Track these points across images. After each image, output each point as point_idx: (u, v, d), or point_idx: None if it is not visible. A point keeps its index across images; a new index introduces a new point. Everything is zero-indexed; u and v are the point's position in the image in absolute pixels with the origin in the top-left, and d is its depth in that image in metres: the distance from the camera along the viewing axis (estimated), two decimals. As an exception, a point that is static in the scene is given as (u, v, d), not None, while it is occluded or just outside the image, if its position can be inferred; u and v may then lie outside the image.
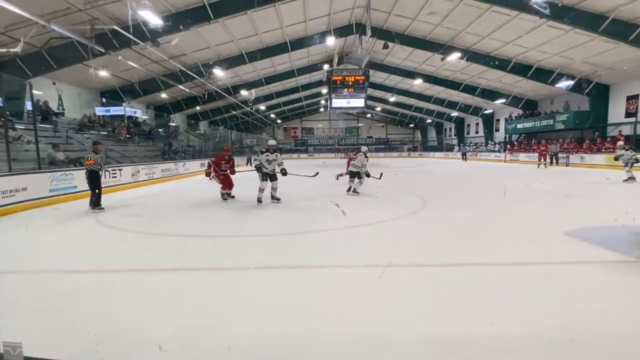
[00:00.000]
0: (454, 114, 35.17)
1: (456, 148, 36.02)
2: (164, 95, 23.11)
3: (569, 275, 3.41)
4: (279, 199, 7.61)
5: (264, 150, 7.62)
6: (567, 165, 20.30)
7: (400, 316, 2.60)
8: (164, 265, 3.77)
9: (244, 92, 25.81)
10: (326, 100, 27.25)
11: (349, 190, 8.80)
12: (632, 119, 18.86)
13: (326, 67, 24.65)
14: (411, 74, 25.98)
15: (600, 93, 20.35)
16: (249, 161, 25.38)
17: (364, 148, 8.68)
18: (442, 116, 37.85)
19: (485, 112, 31.31)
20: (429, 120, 41.66)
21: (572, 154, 20.53)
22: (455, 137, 38.50)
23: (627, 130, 18.94)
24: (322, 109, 44.84)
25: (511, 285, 3.16)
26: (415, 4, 16.66)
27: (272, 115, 41.58)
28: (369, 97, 32.25)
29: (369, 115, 47.45)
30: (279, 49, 19.86)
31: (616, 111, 20.01)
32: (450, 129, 40.62)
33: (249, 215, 6.52)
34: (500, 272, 3.48)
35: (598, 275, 3.37)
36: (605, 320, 2.55)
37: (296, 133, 50.36)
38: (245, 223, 5.91)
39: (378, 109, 41.52)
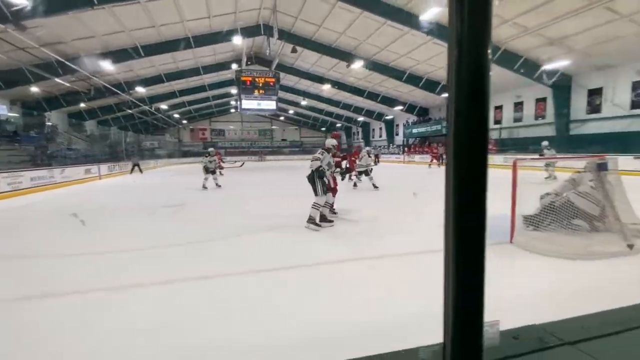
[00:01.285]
0: (361, 118, 36.62)
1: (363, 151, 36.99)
2: (35, 89, 18.47)
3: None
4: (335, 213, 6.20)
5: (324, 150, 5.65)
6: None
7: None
8: None
9: (140, 89, 22.08)
10: (236, 100, 25.55)
11: (355, 185, 10.41)
12: (498, 126, 21.47)
13: (235, 66, 22.79)
14: (320, 79, 26.01)
15: (474, 103, 22.66)
16: (135, 167, 21.57)
17: (367, 148, 10.00)
18: (350, 120, 39.12)
19: (387, 117, 33.25)
20: (339, 124, 42.65)
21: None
22: (363, 140, 39.94)
23: (494, 135, 21.45)
24: (232, 110, 42.04)
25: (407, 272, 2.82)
26: (320, 11, 16.63)
27: (176, 115, 37.28)
28: (281, 100, 31.40)
29: (282, 118, 46.23)
30: (181, 44, 17.94)
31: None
32: (358, 132, 42.37)
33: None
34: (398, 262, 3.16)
35: None
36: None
37: (205, 135, 46.42)
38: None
39: (291, 111, 40.96)
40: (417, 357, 0.61)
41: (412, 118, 29.74)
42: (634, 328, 0.68)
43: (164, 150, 36.84)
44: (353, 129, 43.60)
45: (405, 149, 30.01)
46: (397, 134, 34.06)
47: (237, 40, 17.34)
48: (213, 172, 11.08)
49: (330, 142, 5.68)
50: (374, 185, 10.08)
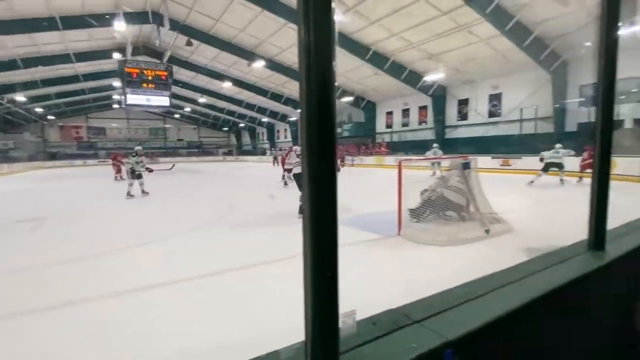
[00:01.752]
0: (265, 119, 36.23)
1: (268, 152, 36.59)
2: None
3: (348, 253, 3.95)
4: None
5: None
6: (352, 165, 23.81)
7: None
8: None
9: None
10: (121, 95, 22.48)
11: (285, 184, 10.86)
12: (389, 130, 23.98)
13: (117, 56, 19.95)
14: (220, 76, 24.76)
15: (370, 108, 25.00)
16: None
17: (296, 147, 9.48)
18: (255, 121, 38.38)
19: (291, 119, 33.63)
20: (242, 125, 41.34)
21: (355, 157, 24.26)
22: (268, 141, 39.52)
23: (387, 138, 23.90)
24: (116, 105, 36.63)
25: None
26: (217, 4, 15.99)
27: (39, 110, 30.92)
28: (176, 96, 28.86)
29: (177, 116, 42.61)
30: (44, 24, 15.07)
31: (381, 123, 24.99)
32: (262, 133, 41.70)
33: None
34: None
35: (362, 250, 4.29)
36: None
37: (80, 133, 39.72)
38: None
39: (187, 109, 38.08)
40: (279, 358, 0.60)
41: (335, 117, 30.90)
42: (468, 300, 0.82)
43: (22, 151, 30.28)
44: (258, 130, 42.98)
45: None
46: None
47: (120, 26, 15.33)
48: (139, 176, 9.25)
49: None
50: (284, 183, 10.95)
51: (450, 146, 17.77)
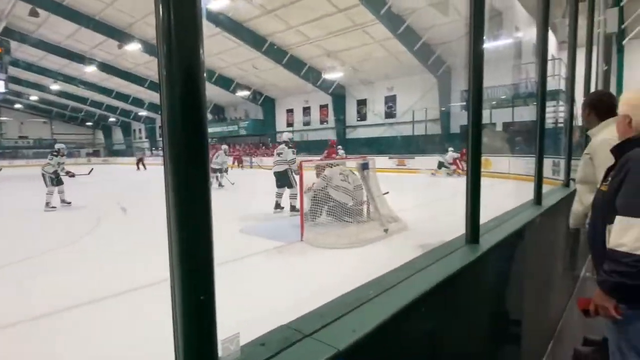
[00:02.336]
0: (143, 113, 32.73)
1: (148, 152, 33.01)
2: None
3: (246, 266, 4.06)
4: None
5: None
6: (251, 167, 23.49)
7: None
8: None
9: None
10: None
11: (220, 185, 11.02)
12: (290, 129, 24.47)
13: None
14: (81, 58, 21.43)
15: (269, 104, 25.12)
16: None
17: (225, 146, 9.81)
18: (129, 115, 34.33)
19: (141, 113, 31.03)
20: (112, 119, 36.57)
21: (254, 157, 24.01)
22: (147, 139, 35.86)
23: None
24: None
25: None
26: None
27: None
28: (16, 81, 24.55)
29: (18, 106, 35.44)
30: None
31: (281, 121, 25.33)
32: (140, 130, 37.59)
33: None
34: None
35: (260, 261, 4.31)
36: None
37: None
38: None
39: (34, 97, 31.95)
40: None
41: (208, 116, 29.58)
42: (359, 305, 0.86)
43: None
44: (134, 126, 38.72)
45: (201, 150, 29.50)
46: (190, 134, 32.87)
47: None
48: (60, 182, 8.27)
49: (287, 135, 7.55)
50: (219, 184, 11.16)
51: (351, 146, 19.08)
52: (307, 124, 24.48)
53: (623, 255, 1.13)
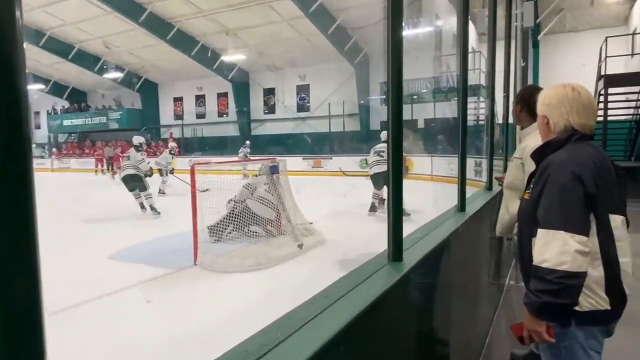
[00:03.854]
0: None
1: None
2: None
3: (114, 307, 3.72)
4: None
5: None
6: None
7: None
8: None
9: None
10: None
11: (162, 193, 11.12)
12: (179, 122, 23.38)
13: None
14: None
15: (150, 91, 23.72)
16: None
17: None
18: None
19: None
20: None
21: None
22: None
23: (177, 132, 23.21)
24: None
25: None
26: None
27: None
28: None
29: None
30: None
31: (166, 112, 24.07)
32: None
33: None
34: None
35: (135, 298, 3.96)
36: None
37: None
38: None
39: None
40: None
41: (62, 104, 26.78)
42: (273, 348, 0.82)
43: None
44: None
45: (54, 149, 26.47)
46: (37, 127, 29.35)
47: None
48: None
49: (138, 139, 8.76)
50: (160, 190, 11.05)
51: (257, 145, 18.98)
52: (201, 116, 23.66)
53: (547, 272, 1.25)
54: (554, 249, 1.24)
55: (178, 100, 24.16)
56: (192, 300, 3.88)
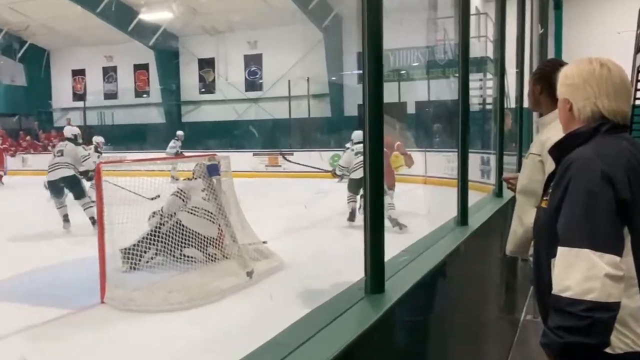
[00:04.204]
0: None
1: None
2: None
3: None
4: None
5: None
6: (5, 174, 20.92)
7: None
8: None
9: None
10: None
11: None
12: (80, 103, 22.75)
13: None
14: None
15: (38, 61, 22.98)
16: None
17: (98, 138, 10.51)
18: None
19: None
20: None
21: (11, 157, 21.40)
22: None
23: (77, 119, 22.42)
24: None
25: None
26: None
27: None
28: None
29: None
30: None
31: (62, 90, 23.50)
32: None
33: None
34: None
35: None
36: None
37: None
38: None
39: None
40: None
41: None
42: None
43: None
44: None
45: None
46: None
47: None
48: None
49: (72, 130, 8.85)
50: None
51: (190, 136, 18.71)
52: (111, 95, 23.22)
53: (569, 303, 1.25)
54: (578, 273, 1.25)
55: (78, 73, 23.58)
56: (95, 354, 3.75)
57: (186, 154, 13.91)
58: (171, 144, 15.84)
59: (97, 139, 13.01)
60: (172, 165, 12.69)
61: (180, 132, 16.48)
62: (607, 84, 1.44)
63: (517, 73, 4.79)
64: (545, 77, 2.32)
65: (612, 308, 1.24)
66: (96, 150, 12.27)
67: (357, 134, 8.60)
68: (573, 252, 1.27)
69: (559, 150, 1.52)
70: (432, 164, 13.25)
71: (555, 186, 1.43)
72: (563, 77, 1.55)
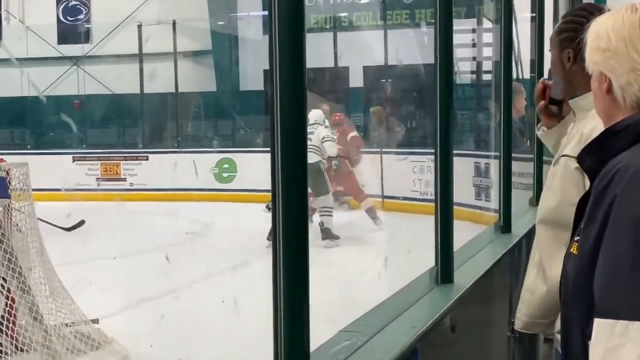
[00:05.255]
0: None
1: None
2: None
3: None
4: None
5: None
6: None
7: None
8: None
9: None
10: None
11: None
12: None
13: None
14: None
15: None
16: None
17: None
18: None
19: None
20: None
21: None
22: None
23: None
24: None
25: None
26: None
27: None
28: None
29: None
30: None
31: None
32: None
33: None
34: None
35: None
36: None
37: None
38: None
39: None
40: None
41: None
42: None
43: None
44: None
45: None
46: None
47: None
48: None
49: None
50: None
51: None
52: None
53: None
54: (630, 358, 1.27)
55: None
56: None
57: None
58: None
59: None
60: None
61: None
62: None
63: (532, 21, 4.88)
64: (575, 31, 2.28)
65: None
66: None
67: (314, 113, 10.59)
68: (619, 326, 1.24)
69: (594, 156, 1.52)
70: (392, 175, 13.45)
71: (589, 217, 1.39)
72: (594, 37, 1.54)
